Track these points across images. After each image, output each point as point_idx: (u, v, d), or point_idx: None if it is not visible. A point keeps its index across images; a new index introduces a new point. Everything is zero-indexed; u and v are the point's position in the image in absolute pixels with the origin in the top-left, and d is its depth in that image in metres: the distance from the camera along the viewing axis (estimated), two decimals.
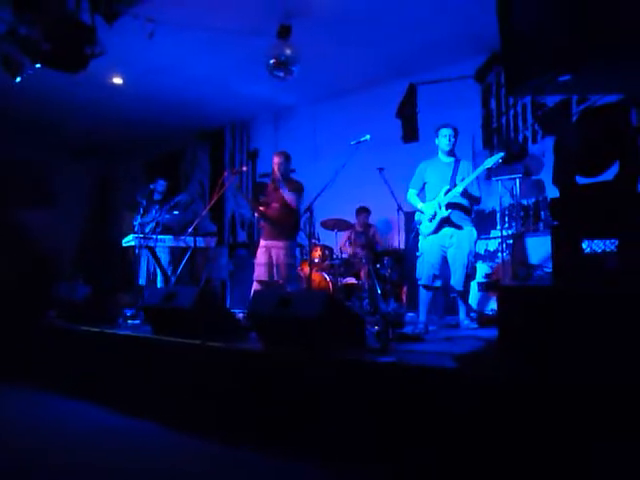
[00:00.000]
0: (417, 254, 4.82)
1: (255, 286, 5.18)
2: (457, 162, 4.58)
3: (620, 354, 1.97)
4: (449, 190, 4.43)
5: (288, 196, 5.04)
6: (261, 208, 5.25)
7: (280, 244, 5.09)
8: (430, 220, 4.50)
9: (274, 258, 5.09)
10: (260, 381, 3.05)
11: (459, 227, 4.44)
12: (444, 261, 4.49)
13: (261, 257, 5.16)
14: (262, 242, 5.25)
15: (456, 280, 4.43)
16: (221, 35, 5.93)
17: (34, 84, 5.21)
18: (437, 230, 4.48)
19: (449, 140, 4.54)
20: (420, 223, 4.63)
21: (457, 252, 4.42)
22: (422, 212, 4.58)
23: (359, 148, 4.85)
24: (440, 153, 4.65)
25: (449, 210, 4.42)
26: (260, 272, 5.15)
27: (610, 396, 1.92)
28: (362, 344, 3.11)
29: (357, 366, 2.70)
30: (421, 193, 4.74)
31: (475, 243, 4.57)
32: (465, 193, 4.42)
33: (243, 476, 2.63)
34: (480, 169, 4.43)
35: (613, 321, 2.01)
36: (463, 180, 4.42)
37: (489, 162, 4.39)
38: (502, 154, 4.46)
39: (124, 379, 3.88)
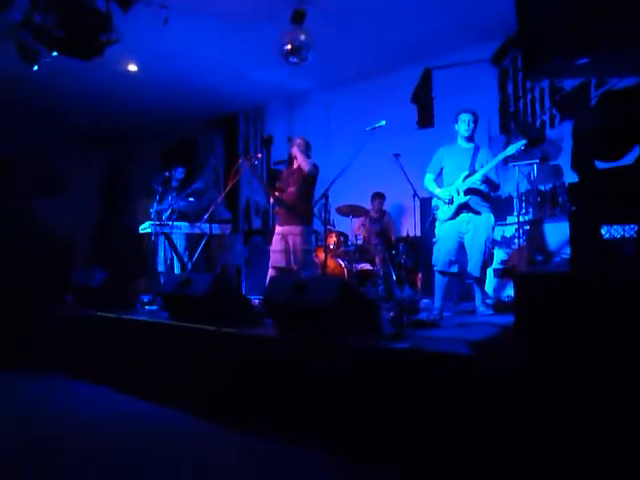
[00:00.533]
0: (433, 240, 4.79)
1: (271, 272, 5.18)
2: (476, 149, 4.53)
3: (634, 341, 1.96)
4: (468, 176, 4.39)
5: (306, 164, 4.99)
6: (276, 193, 5.24)
7: (296, 230, 5.08)
8: (448, 205, 4.47)
9: (290, 244, 5.08)
10: (275, 367, 3.07)
11: (477, 213, 4.40)
12: (461, 247, 4.46)
13: (277, 244, 5.16)
14: (278, 228, 5.25)
15: (472, 266, 4.41)
16: (235, 21, 5.90)
17: (49, 72, 5.22)
18: (455, 216, 4.45)
19: (468, 125, 4.49)
20: (437, 208, 4.60)
21: (474, 238, 4.39)
22: (439, 197, 4.55)
23: (374, 134, 4.82)
24: (459, 139, 4.59)
25: (468, 196, 4.38)
26: (276, 259, 5.15)
27: (627, 387, 1.90)
28: (377, 330, 3.11)
29: (372, 352, 2.71)
30: (438, 178, 4.70)
31: (493, 229, 4.53)
32: (485, 179, 4.37)
33: (257, 462, 2.67)
34: (501, 156, 4.37)
35: (632, 309, 1.98)
36: (482, 167, 4.37)
37: (511, 149, 4.33)
38: (524, 141, 4.39)
39: (141, 365, 3.93)
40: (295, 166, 5.24)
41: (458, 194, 4.41)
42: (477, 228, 4.39)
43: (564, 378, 2.04)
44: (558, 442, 2.02)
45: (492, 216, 4.50)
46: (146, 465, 2.63)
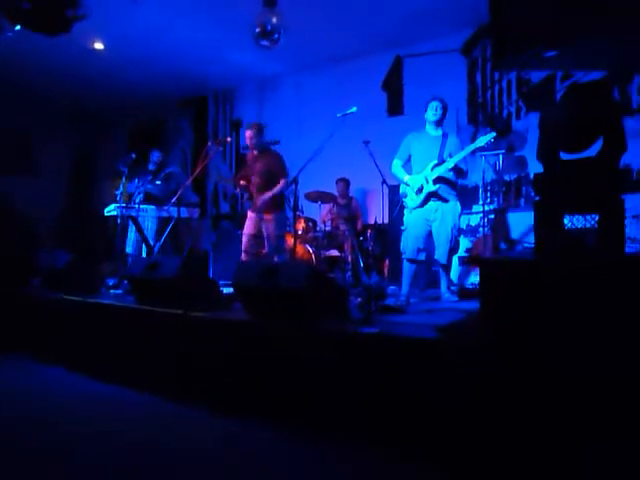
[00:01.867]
0: (402, 228, 4.84)
1: (243, 257, 5.19)
2: (445, 136, 4.58)
3: (599, 326, 2.04)
4: (437, 165, 4.44)
5: (279, 188, 5.09)
6: (242, 183, 5.23)
7: (269, 216, 5.10)
8: (417, 193, 4.52)
9: (264, 229, 5.11)
10: (244, 351, 3.08)
11: (445, 200, 4.47)
12: (429, 235, 4.53)
13: (249, 228, 5.18)
14: (250, 213, 5.25)
15: (440, 254, 4.48)
16: (206, 1, 5.79)
17: (12, 48, 5.06)
18: (423, 204, 4.50)
19: (435, 110, 4.54)
20: (406, 196, 4.64)
21: (441, 226, 4.46)
22: (408, 185, 4.59)
23: (345, 120, 4.82)
24: (427, 125, 4.64)
25: (437, 185, 4.44)
26: (248, 243, 5.17)
27: (585, 368, 1.99)
28: (346, 315, 3.16)
29: (341, 336, 2.75)
30: (406, 165, 4.74)
31: (459, 217, 4.61)
32: (454, 167, 4.43)
33: (222, 444, 2.69)
34: (471, 147, 4.42)
35: (593, 293, 2.07)
36: (451, 155, 4.43)
37: (481, 141, 4.38)
38: (494, 134, 4.46)
39: (107, 348, 3.89)
40: (255, 153, 5.24)
41: (427, 182, 4.46)
42: (444, 216, 4.46)
43: (527, 361, 2.11)
44: (522, 425, 2.09)
45: (459, 204, 4.58)
46: (110, 445, 2.62)
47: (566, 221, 2.53)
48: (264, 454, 2.55)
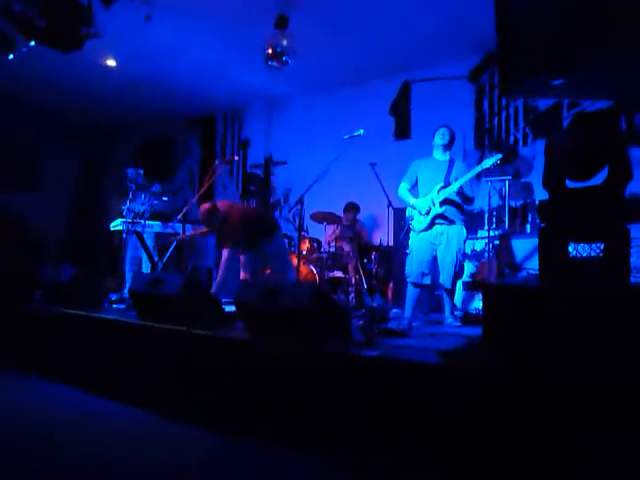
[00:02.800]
0: (407, 251, 4.83)
1: (242, 275, 5.19)
2: (452, 162, 4.60)
3: (603, 351, 2.02)
4: (443, 188, 4.45)
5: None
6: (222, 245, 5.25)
7: (259, 248, 5.11)
8: (424, 215, 4.52)
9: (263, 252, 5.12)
10: (245, 370, 3.06)
11: (452, 222, 4.47)
12: (434, 259, 4.52)
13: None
14: None
15: (444, 278, 4.47)
16: (218, 21, 5.89)
17: (25, 63, 5.13)
18: (430, 226, 4.50)
19: (442, 135, 4.57)
20: (412, 219, 4.64)
21: (446, 250, 4.45)
22: (414, 207, 4.60)
23: (352, 142, 4.86)
24: (435, 151, 4.66)
25: (443, 207, 4.44)
26: (245, 261, 5.17)
27: (593, 392, 1.96)
28: (347, 337, 3.13)
29: (342, 358, 2.73)
30: (413, 189, 4.75)
31: (465, 242, 4.61)
32: (459, 192, 4.44)
33: (225, 464, 2.65)
34: (478, 169, 4.44)
35: (596, 322, 2.05)
36: (457, 179, 4.44)
37: (487, 163, 4.40)
38: (500, 155, 4.46)
39: (109, 363, 3.87)
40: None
41: (434, 205, 4.47)
42: (450, 240, 4.45)
43: (530, 387, 2.09)
44: (522, 447, 2.06)
45: (464, 229, 4.58)
46: (115, 467, 2.59)
47: (571, 249, 2.52)
48: (263, 474, 2.52)
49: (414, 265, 4.55)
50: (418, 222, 4.57)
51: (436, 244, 4.49)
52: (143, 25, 4.92)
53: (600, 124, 2.62)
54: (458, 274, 4.56)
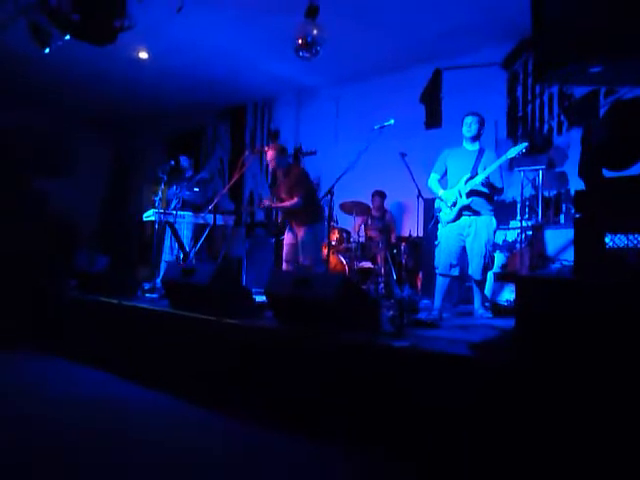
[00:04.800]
0: (435, 243, 4.80)
1: (284, 266, 5.25)
2: (481, 151, 4.53)
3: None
4: (470, 178, 4.40)
5: (292, 203, 5.12)
6: (272, 205, 5.31)
7: (304, 228, 5.14)
8: (451, 207, 4.48)
9: (299, 241, 5.16)
10: (275, 359, 3.09)
11: (478, 213, 4.41)
12: (462, 250, 4.48)
13: (288, 238, 5.28)
14: (290, 224, 5.32)
15: (473, 269, 4.42)
16: (248, 11, 5.89)
17: (60, 55, 5.23)
18: (457, 218, 4.46)
19: (470, 126, 4.50)
20: (440, 210, 4.61)
21: (475, 241, 4.40)
22: (442, 199, 4.56)
23: (382, 132, 4.82)
24: (464, 141, 4.60)
25: (470, 198, 4.39)
26: (287, 252, 5.24)
27: (630, 388, 1.93)
28: (377, 328, 3.14)
29: (372, 349, 2.73)
30: (442, 179, 4.70)
31: (494, 232, 4.55)
32: (487, 183, 4.37)
33: (247, 451, 2.69)
34: (503, 158, 4.38)
35: (634, 313, 2.00)
36: (485, 169, 4.38)
37: (512, 152, 4.34)
38: (526, 144, 4.39)
39: (141, 350, 3.96)
40: (281, 173, 5.30)
41: (460, 196, 4.42)
42: (478, 231, 4.40)
43: (563, 382, 2.06)
44: (554, 443, 2.04)
45: (494, 219, 4.51)
46: (142, 450, 2.65)
47: (607, 240, 2.46)
48: (289, 461, 2.56)
49: (442, 256, 4.52)
50: (445, 214, 4.54)
51: (464, 235, 4.44)
52: (175, 17, 4.96)
53: (638, 111, 2.54)
54: (488, 265, 4.50)
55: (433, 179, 4.70)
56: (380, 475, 2.41)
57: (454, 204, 4.46)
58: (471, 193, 4.41)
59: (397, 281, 6.04)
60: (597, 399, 1.97)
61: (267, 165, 8.94)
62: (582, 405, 2.00)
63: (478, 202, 4.43)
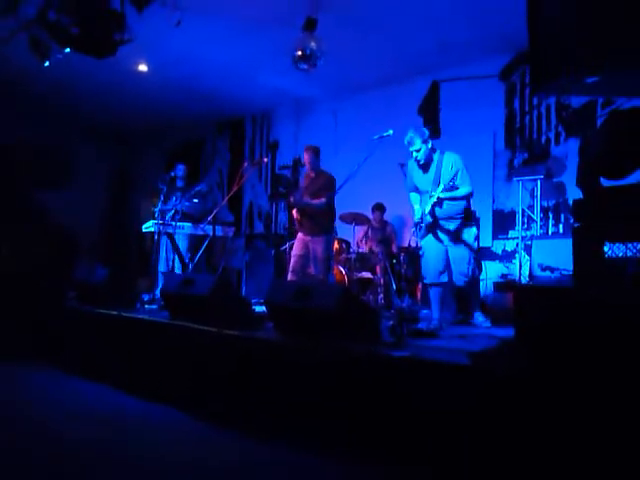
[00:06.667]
0: (420, 253, 4.74)
1: (290, 277, 5.23)
2: (440, 160, 4.38)
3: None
4: (430, 196, 4.29)
5: (319, 202, 5.12)
6: (297, 203, 5.28)
7: (318, 239, 5.14)
8: (419, 226, 4.44)
9: (311, 252, 5.14)
10: (275, 370, 3.08)
11: (450, 224, 4.33)
12: (447, 255, 4.41)
13: (297, 249, 5.25)
14: (300, 235, 5.30)
15: (456, 277, 4.38)
16: (246, 25, 5.93)
17: (60, 68, 5.26)
18: (424, 236, 4.44)
19: (410, 144, 4.36)
20: (416, 225, 4.53)
21: (455, 250, 4.36)
22: (414, 216, 4.52)
23: (380, 143, 4.84)
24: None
25: (437, 213, 4.32)
26: (295, 263, 5.22)
27: (623, 401, 1.92)
28: (377, 338, 3.13)
29: (371, 359, 2.72)
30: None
31: (476, 239, 4.48)
32: (438, 202, 4.23)
33: (251, 464, 2.67)
34: (436, 194, 4.21)
35: (634, 322, 2.00)
36: (450, 173, 4.22)
37: (439, 192, 4.19)
38: (457, 159, 4.28)
39: (141, 363, 3.94)
40: (312, 175, 5.32)
41: (425, 214, 4.36)
42: (454, 240, 4.36)
43: (562, 391, 2.05)
44: (554, 452, 2.03)
45: (471, 226, 4.44)
46: (143, 464, 2.64)
47: (606, 249, 2.47)
48: (288, 475, 2.54)
49: (429, 265, 4.47)
50: (417, 232, 4.52)
51: (444, 244, 4.40)
52: (174, 30, 4.99)
53: (636, 121, 2.56)
54: (474, 271, 4.44)
55: (412, 196, 4.64)
56: None
57: (420, 222, 4.42)
58: (435, 207, 4.30)
59: (397, 291, 6.04)
60: (596, 408, 1.97)
61: (266, 176, 8.98)
62: (581, 413, 2.00)
63: (444, 215, 4.33)
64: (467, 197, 4.38)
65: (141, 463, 2.64)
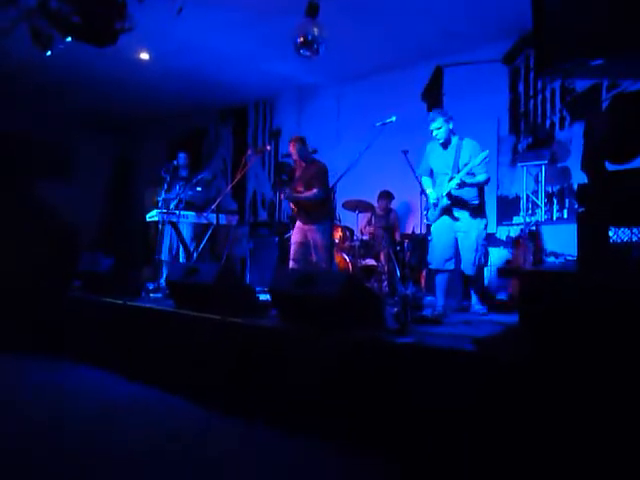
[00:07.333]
0: (428, 238, 4.77)
1: (291, 265, 5.25)
2: (459, 146, 4.42)
3: None
4: (451, 178, 4.33)
5: (311, 193, 5.13)
6: (291, 196, 5.29)
7: (316, 227, 5.15)
8: (434, 207, 4.47)
9: (311, 240, 5.16)
10: (279, 358, 3.09)
11: (464, 211, 4.37)
12: (456, 243, 4.44)
13: (296, 236, 5.27)
14: (298, 223, 5.32)
15: (465, 264, 4.40)
16: (248, 12, 5.89)
17: (61, 57, 5.23)
18: (437, 218, 4.47)
19: (437, 131, 4.42)
20: (427, 209, 4.59)
21: (466, 237, 4.38)
22: (427, 198, 4.54)
23: (383, 130, 4.82)
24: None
25: (454, 196, 4.34)
26: (295, 251, 5.23)
27: (626, 386, 1.92)
28: (381, 325, 3.14)
29: (376, 345, 2.73)
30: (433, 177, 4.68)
31: (485, 228, 4.49)
32: (461, 186, 4.25)
33: (256, 452, 2.69)
34: (467, 169, 4.24)
35: (637, 309, 2.00)
36: (467, 164, 4.27)
37: (476, 161, 4.19)
38: (487, 152, 4.23)
39: (146, 351, 3.96)
40: (303, 165, 5.32)
41: (442, 197, 4.39)
42: (467, 227, 4.38)
43: (567, 377, 2.05)
44: (560, 439, 2.03)
45: (483, 214, 4.46)
46: (147, 451, 2.66)
47: (611, 233, 2.46)
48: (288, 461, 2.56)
49: (436, 251, 4.50)
50: (431, 213, 4.53)
51: (455, 230, 4.42)
52: (175, 18, 4.96)
53: None
54: (482, 261, 4.46)
55: (424, 180, 4.70)
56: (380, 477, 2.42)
57: (435, 205, 4.45)
58: (451, 195, 4.34)
59: (401, 278, 6.03)
60: (601, 394, 1.97)
61: (269, 164, 8.96)
62: (586, 400, 2.00)
63: (462, 200, 4.37)
64: (484, 183, 4.42)
65: (140, 449, 2.67)
